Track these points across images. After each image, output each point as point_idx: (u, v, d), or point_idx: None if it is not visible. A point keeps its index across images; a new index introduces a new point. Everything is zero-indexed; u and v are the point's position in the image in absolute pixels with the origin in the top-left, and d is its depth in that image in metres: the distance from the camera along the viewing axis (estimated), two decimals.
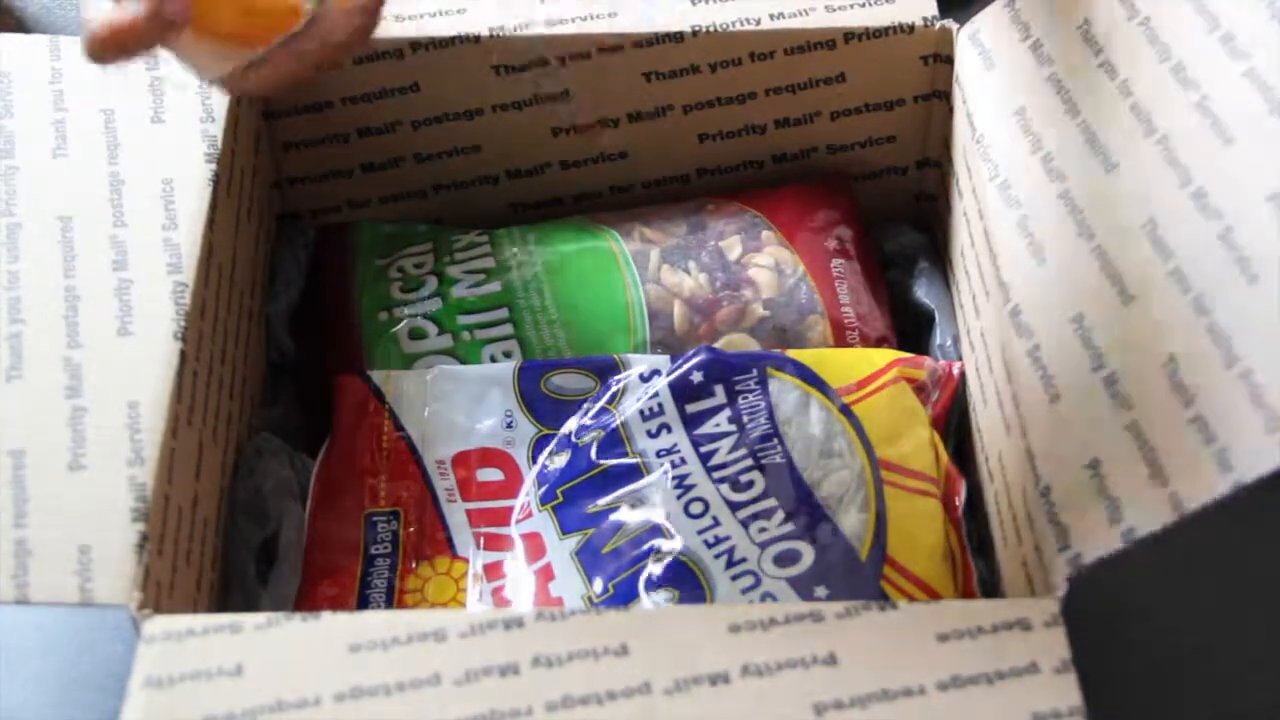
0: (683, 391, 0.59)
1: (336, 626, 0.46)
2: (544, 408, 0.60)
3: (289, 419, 0.64)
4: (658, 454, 0.58)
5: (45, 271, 0.54)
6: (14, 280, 0.54)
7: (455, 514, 0.58)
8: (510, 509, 0.58)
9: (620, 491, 0.57)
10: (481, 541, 0.58)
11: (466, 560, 0.57)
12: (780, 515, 0.55)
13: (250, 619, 0.46)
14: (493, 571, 0.57)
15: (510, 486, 0.59)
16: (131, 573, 0.47)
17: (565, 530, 0.57)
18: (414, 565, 0.57)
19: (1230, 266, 0.47)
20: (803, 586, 0.54)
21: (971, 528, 0.59)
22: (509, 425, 0.60)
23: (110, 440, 0.50)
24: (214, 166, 0.58)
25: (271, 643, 0.46)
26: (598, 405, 0.60)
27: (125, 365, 0.52)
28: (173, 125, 0.60)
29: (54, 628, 0.61)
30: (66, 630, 0.61)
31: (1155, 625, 0.61)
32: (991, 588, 0.57)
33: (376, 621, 0.47)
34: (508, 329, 0.63)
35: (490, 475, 0.59)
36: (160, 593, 0.49)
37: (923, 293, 0.67)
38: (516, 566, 0.57)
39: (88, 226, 0.56)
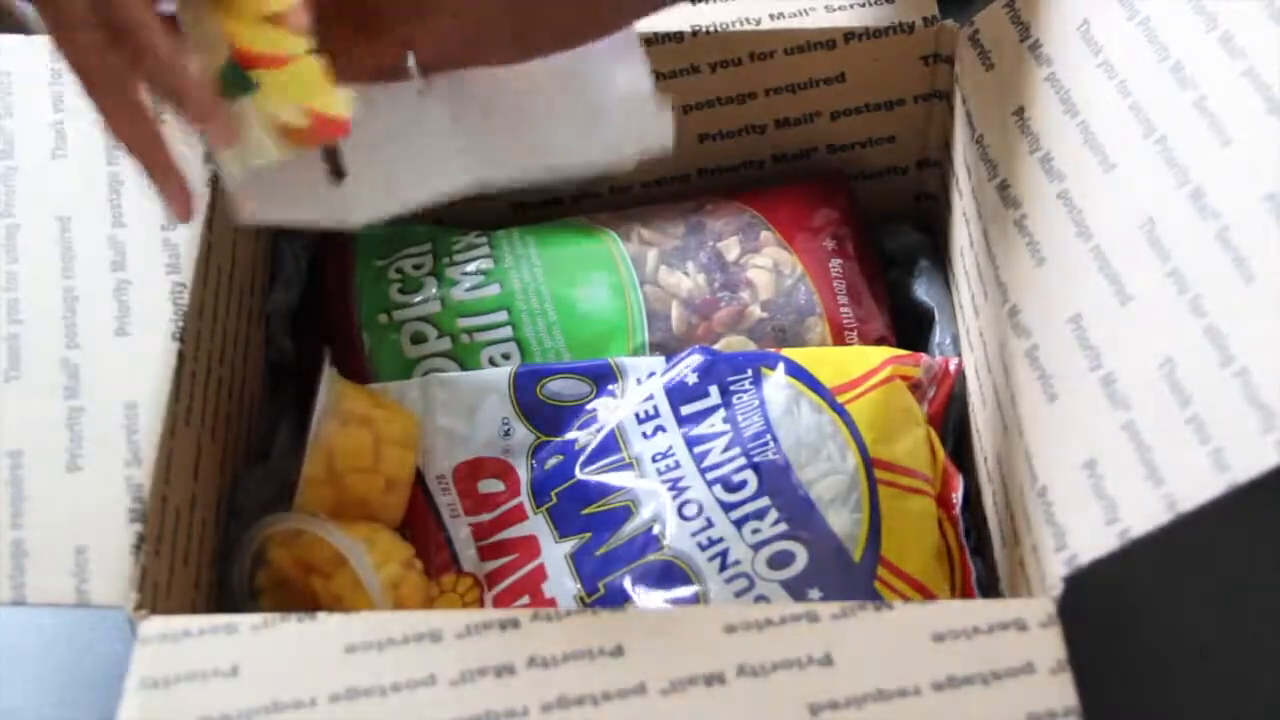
0: (678, 393, 0.59)
1: (332, 627, 0.46)
2: (541, 414, 0.60)
3: (289, 420, 0.64)
4: (653, 457, 0.57)
5: (44, 272, 0.54)
6: (12, 280, 0.54)
7: (459, 529, 0.58)
8: (509, 518, 0.58)
9: (615, 495, 0.57)
10: (482, 552, 0.58)
11: (473, 575, 0.57)
12: (773, 515, 0.55)
13: (246, 619, 0.46)
14: (493, 579, 0.57)
15: (510, 497, 0.59)
16: (128, 573, 0.47)
17: (562, 534, 0.57)
18: None
19: (1228, 266, 0.47)
20: (796, 589, 0.54)
21: (970, 526, 0.59)
22: (506, 433, 0.60)
23: (108, 441, 0.50)
24: (213, 167, 0.58)
25: (267, 643, 0.46)
26: (594, 409, 0.60)
27: (123, 366, 0.52)
28: (172, 125, 0.59)
29: (53, 628, 0.61)
30: (66, 630, 0.61)
31: (1153, 625, 0.60)
32: (989, 587, 0.57)
33: (372, 622, 0.47)
34: (507, 331, 0.63)
35: (491, 487, 0.59)
36: (157, 593, 0.49)
37: (923, 292, 0.67)
38: (514, 569, 0.57)
39: (86, 227, 0.56)
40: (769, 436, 0.57)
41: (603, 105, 0.54)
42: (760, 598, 0.54)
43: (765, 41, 0.66)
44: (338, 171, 0.52)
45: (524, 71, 0.53)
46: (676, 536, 0.55)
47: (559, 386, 0.60)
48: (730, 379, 0.59)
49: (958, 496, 0.58)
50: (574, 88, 0.54)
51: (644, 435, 0.58)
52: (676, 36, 0.66)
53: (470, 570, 0.57)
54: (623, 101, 0.54)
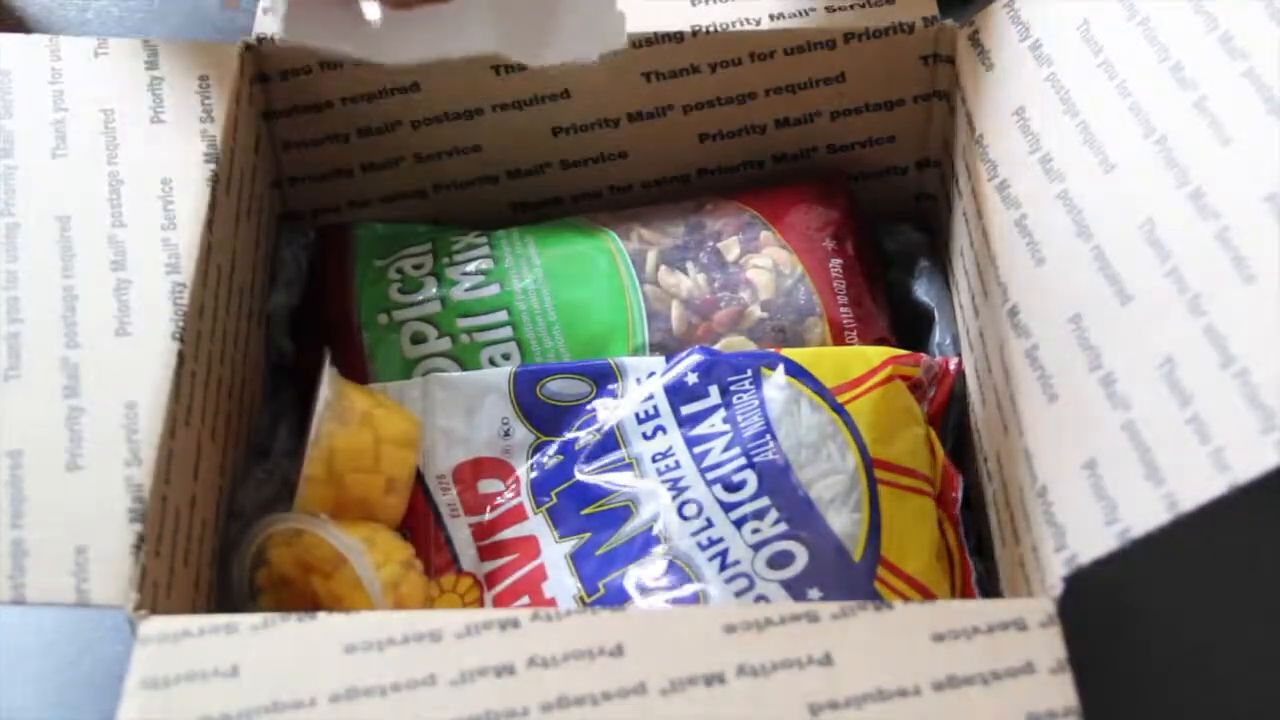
0: (678, 393, 0.59)
1: (332, 627, 0.46)
2: (541, 414, 0.60)
3: (289, 420, 0.64)
4: (653, 457, 0.57)
5: (44, 271, 0.54)
6: (12, 280, 0.54)
7: (459, 529, 0.58)
8: (509, 518, 0.58)
9: (614, 494, 0.57)
10: (482, 552, 0.58)
11: (472, 575, 0.57)
12: (773, 515, 0.55)
13: (246, 619, 0.46)
14: (493, 579, 0.57)
15: (510, 497, 0.59)
16: (128, 574, 0.47)
17: (562, 534, 0.57)
18: None
19: (1227, 266, 0.47)
20: (796, 589, 0.54)
21: (970, 526, 0.59)
22: (506, 434, 0.60)
23: (108, 441, 0.50)
24: (213, 166, 0.58)
25: (267, 643, 0.46)
26: (594, 409, 0.60)
27: (123, 365, 0.52)
28: (172, 125, 0.60)
29: (53, 628, 0.61)
30: (66, 630, 0.61)
31: (1153, 625, 0.60)
32: (989, 587, 0.57)
33: (372, 622, 0.47)
34: (507, 331, 0.63)
35: (490, 486, 0.59)
36: (157, 593, 0.49)
37: (923, 292, 0.67)
38: (514, 569, 0.57)
39: (86, 226, 0.56)
40: (769, 436, 0.57)
41: (572, 5, 0.55)
42: (760, 598, 0.54)
43: (765, 41, 0.66)
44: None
45: None
46: (676, 536, 0.55)
47: (559, 386, 0.60)
48: (730, 379, 0.59)
49: (958, 496, 0.58)
50: None
51: (644, 435, 0.58)
52: (676, 36, 0.66)
53: (470, 570, 0.58)
54: (588, 4, 0.55)
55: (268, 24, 0.64)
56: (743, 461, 0.57)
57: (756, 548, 0.55)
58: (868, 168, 0.71)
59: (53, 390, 0.51)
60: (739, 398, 0.58)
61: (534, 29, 0.55)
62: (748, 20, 0.66)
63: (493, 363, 0.63)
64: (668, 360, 0.60)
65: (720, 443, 0.57)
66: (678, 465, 0.57)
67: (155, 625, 0.46)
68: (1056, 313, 0.53)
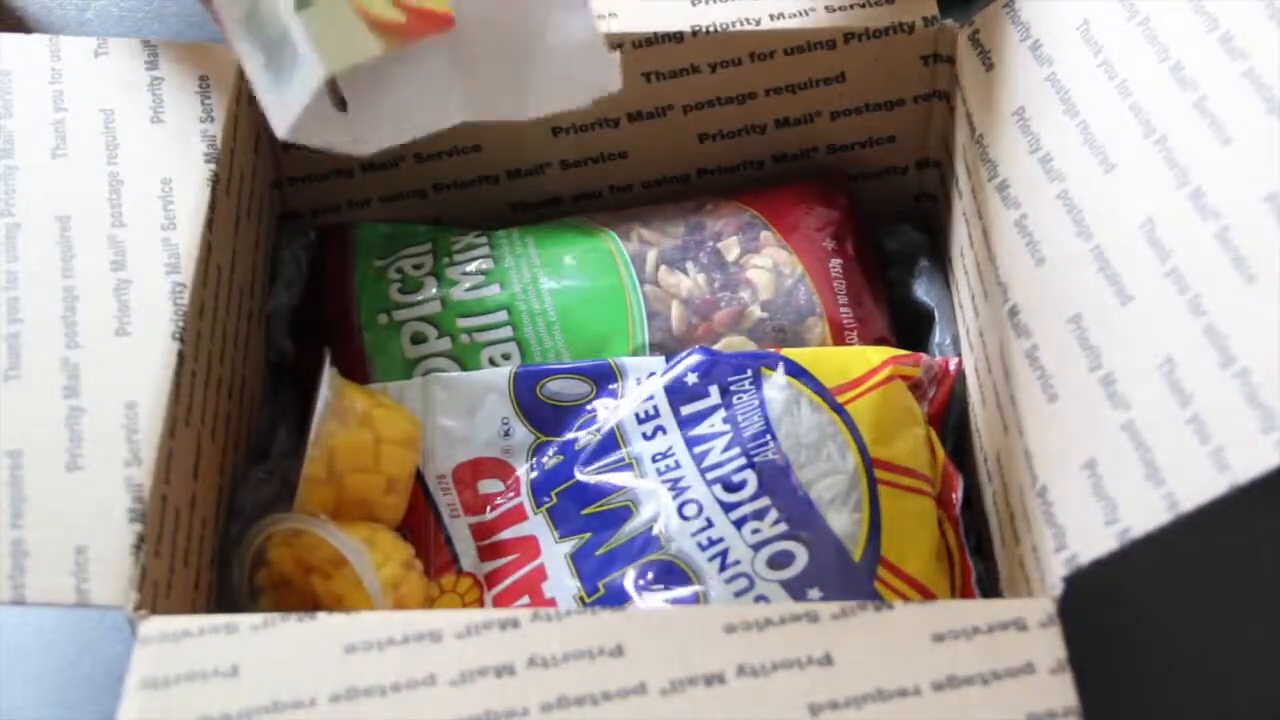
0: (678, 393, 0.59)
1: (332, 627, 0.46)
2: (541, 414, 0.60)
3: (289, 420, 0.64)
4: (653, 457, 0.57)
5: (43, 271, 0.54)
6: (12, 280, 0.54)
7: (459, 529, 0.58)
8: (510, 518, 0.58)
9: (614, 494, 0.57)
10: (482, 552, 0.58)
11: (473, 575, 0.57)
12: (773, 515, 0.55)
13: (246, 619, 0.46)
14: (493, 579, 0.57)
15: (510, 497, 0.59)
16: (128, 574, 0.47)
17: (562, 534, 0.57)
18: None
19: (1227, 266, 0.47)
20: (796, 589, 0.54)
21: (970, 526, 0.59)
22: (506, 434, 0.60)
23: (108, 441, 0.50)
24: (213, 166, 0.58)
25: (267, 643, 0.46)
26: (594, 409, 0.60)
27: (123, 365, 0.52)
28: (172, 125, 0.60)
29: (53, 628, 0.61)
30: (66, 630, 0.61)
31: (1153, 625, 0.60)
32: (989, 587, 0.57)
33: (372, 622, 0.47)
34: (507, 331, 0.63)
35: (490, 486, 0.59)
36: (157, 593, 0.49)
37: (923, 292, 0.67)
38: (514, 569, 0.57)
39: (86, 226, 0.56)
40: (769, 436, 0.57)
41: (555, 51, 0.54)
42: (760, 598, 0.54)
43: (765, 41, 0.66)
44: (340, 101, 0.52)
45: (493, 19, 0.53)
46: (676, 536, 0.55)
47: (559, 386, 0.60)
48: (730, 379, 0.59)
49: (958, 496, 0.58)
50: (529, 35, 0.54)
51: (644, 435, 0.58)
52: (676, 36, 0.66)
53: (470, 570, 0.58)
54: (574, 48, 0.55)
55: None
56: (743, 461, 0.57)
57: (756, 548, 0.55)
58: (868, 168, 0.71)
59: (53, 390, 0.51)
60: (739, 398, 0.58)
61: (510, 80, 0.54)
62: (748, 20, 0.66)
63: (493, 363, 0.63)
64: (668, 360, 0.60)
65: (720, 443, 0.57)
66: (678, 465, 0.57)
67: (155, 625, 0.46)
68: (1056, 313, 0.53)
